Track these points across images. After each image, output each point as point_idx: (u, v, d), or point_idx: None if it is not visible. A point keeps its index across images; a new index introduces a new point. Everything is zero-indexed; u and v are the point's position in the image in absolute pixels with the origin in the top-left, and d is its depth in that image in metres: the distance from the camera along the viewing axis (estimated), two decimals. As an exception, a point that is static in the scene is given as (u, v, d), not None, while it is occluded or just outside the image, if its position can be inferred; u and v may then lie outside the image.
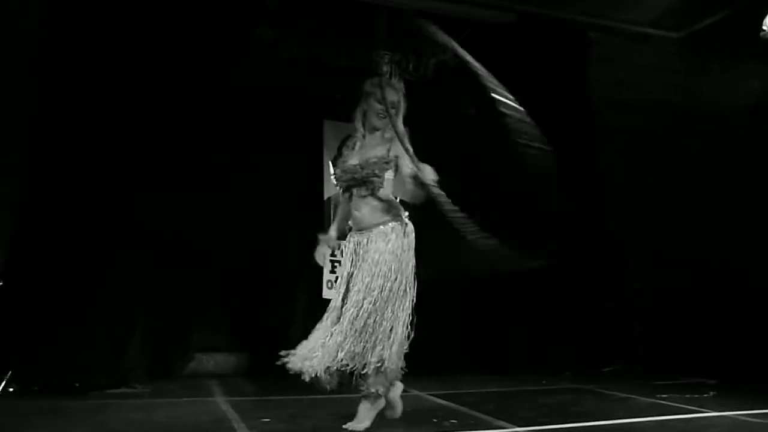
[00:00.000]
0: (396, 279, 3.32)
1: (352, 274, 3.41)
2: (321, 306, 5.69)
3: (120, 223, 5.03)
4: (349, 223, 3.59)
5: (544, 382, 5.39)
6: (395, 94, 3.50)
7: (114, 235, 5.00)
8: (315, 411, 3.96)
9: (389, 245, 3.36)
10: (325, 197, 5.91)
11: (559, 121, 6.37)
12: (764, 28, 5.73)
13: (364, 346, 3.22)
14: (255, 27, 5.65)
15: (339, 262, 5.91)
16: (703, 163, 6.24)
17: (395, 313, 3.31)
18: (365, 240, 3.42)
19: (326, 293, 5.75)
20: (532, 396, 4.67)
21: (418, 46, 5.87)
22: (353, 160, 3.52)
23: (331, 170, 3.91)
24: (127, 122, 5.12)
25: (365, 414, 3.38)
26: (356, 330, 3.23)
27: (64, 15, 5.07)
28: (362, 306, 3.26)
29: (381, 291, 3.28)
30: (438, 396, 4.54)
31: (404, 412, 3.76)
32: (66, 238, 4.86)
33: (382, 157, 3.45)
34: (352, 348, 3.21)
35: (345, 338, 3.22)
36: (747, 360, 5.48)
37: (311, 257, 5.74)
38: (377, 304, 3.27)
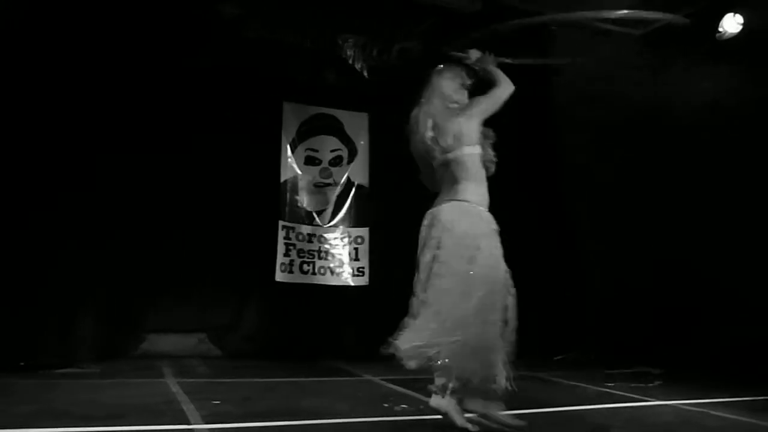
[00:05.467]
0: None
1: None
2: (275, 289, 5.74)
3: (69, 203, 4.94)
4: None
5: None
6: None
7: (64, 214, 4.91)
8: (268, 394, 3.95)
9: None
10: (282, 180, 5.87)
11: (523, 113, 6.45)
12: (720, 29, 5.85)
13: None
14: (218, 4, 5.54)
15: (294, 245, 5.92)
16: (662, 160, 6.36)
17: None
18: None
19: (279, 276, 5.73)
20: (483, 382, 4.72)
21: (382, 32, 5.84)
22: None
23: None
24: (81, 102, 5.02)
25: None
26: None
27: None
28: None
29: None
30: (391, 381, 4.56)
31: (356, 396, 3.79)
32: (14, 217, 4.76)
33: None
34: None
35: None
36: (691, 351, 5.65)
37: (267, 239, 5.75)
38: None
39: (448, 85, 3.48)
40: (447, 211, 3.23)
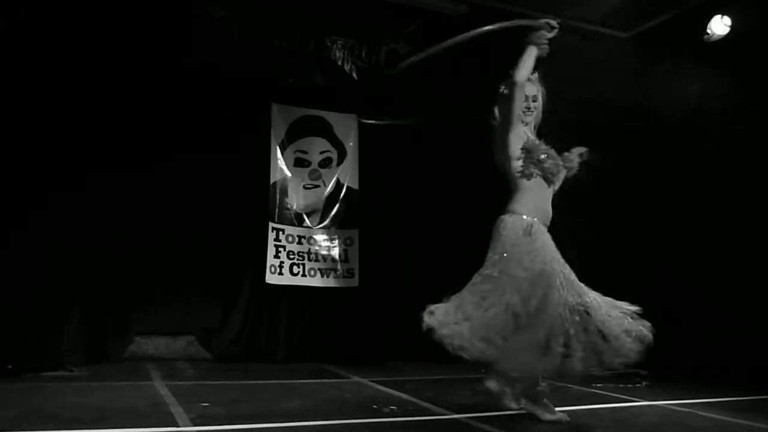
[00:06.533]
0: None
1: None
2: (264, 290, 5.72)
3: (55, 206, 4.90)
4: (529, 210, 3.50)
5: (483, 370, 5.47)
6: (533, 87, 3.57)
7: (49, 217, 4.87)
8: (256, 396, 3.95)
9: None
10: (272, 181, 5.86)
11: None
12: (708, 31, 5.89)
13: None
14: (205, 5, 5.53)
15: (284, 246, 5.92)
16: (645, 162, 6.39)
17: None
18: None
19: (269, 278, 5.72)
20: (471, 383, 4.73)
21: (370, 33, 5.85)
22: (552, 151, 3.54)
23: (517, 155, 3.50)
24: (68, 103, 4.98)
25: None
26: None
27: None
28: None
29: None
30: (379, 383, 4.57)
31: (344, 398, 3.78)
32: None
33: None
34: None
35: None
36: (678, 353, 5.68)
37: (256, 241, 5.74)
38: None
39: None
40: None
